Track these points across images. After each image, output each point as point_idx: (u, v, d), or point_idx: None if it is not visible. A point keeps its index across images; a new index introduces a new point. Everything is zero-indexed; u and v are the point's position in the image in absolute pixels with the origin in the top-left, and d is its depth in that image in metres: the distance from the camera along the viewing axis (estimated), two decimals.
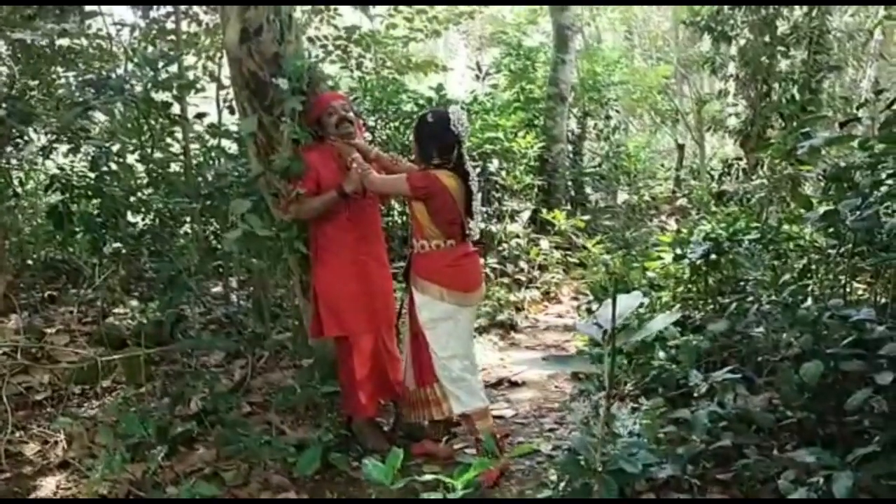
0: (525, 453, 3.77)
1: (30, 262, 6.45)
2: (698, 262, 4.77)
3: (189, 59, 6.92)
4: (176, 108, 5.09)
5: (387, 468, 2.33)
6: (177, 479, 3.45)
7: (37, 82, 6.03)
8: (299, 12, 6.96)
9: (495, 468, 3.43)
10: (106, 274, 5.95)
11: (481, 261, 4.32)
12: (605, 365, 1.69)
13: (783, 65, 9.24)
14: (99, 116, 5.31)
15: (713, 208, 6.90)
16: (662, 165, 16.05)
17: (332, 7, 7.72)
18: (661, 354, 4.15)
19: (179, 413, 4.01)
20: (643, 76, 13.62)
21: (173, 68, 5.34)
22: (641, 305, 1.94)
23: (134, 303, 5.69)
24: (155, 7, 6.29)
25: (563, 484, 3.00)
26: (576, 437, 2.95)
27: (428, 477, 2.47)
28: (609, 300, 1.78)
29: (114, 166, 5.50)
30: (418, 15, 8.30)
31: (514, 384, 5.06)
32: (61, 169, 5.51)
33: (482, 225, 7.45)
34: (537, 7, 13.15)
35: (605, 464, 2.41)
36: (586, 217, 9.50)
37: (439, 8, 9.03)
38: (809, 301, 3.69)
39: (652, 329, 1.68)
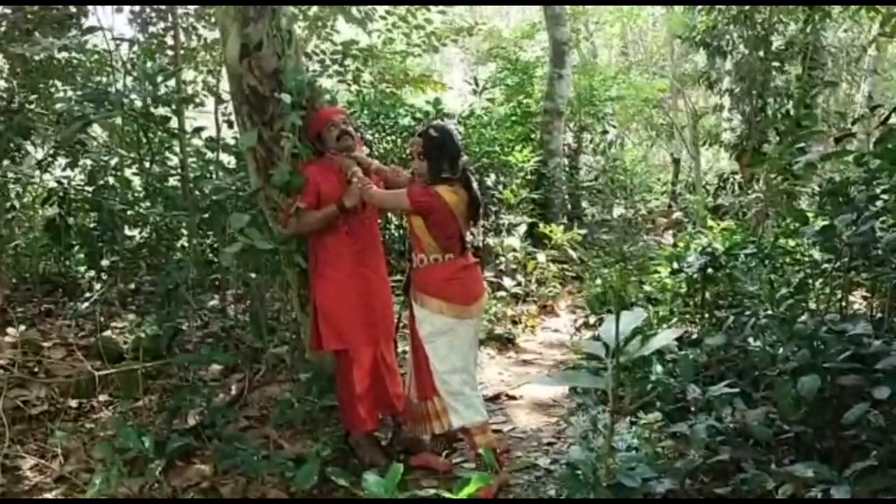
0: (523, 467, 3.78)
1: (27, 275, 6.45)
2: (695, 276, 4.79)
3: (188, 74, 6.95)
4: (174, 123, 5.11)
5: (386, 482, 2.33)
6: (174, 493, 3.44)
7: (35, 96, 6.05)
8: (298, 28, 7.00)
9: (494, 482, 3.43)
10: (103, 287, 5.95)
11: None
12: (609, 381, 1.70)
13: (778, 80, 9.31)
14: (97, 130, 5.34)
15: (709, 222, 6.92)
16: (658, 179, 16.13)
17: (330, 23, 7.76)
18: (659, 368, 4.15)
19: (177, 427, 3.99)
20: (639, 90, 13.70)
21: (172, 83, 5.38)
22: (641, 320, 1.95)
23: (131, 316, 5.69)
24: (154, 19, 6.33)
25: (561, 498, 2.99)
26: (575, 452, 2.95)
27: (427, 491, 2.46)
28: (609, 316, 1.79)
29: (111, 180, 5.54)
30: (416, 30, 8.34)
31: (511, 398, 5.06)
32: (59, 182, 5.53)
33: (480, 237, 7.52)
34: (535, 21, 13.23)
35: (605, 478, 2.41)
36: (583, 231, 9.53)
37: (437, 23, 9.07)
38: (806, 315, 3.70)
39: (654, 346, 1.69)
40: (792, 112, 8.58)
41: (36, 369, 4.59)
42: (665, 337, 1.74)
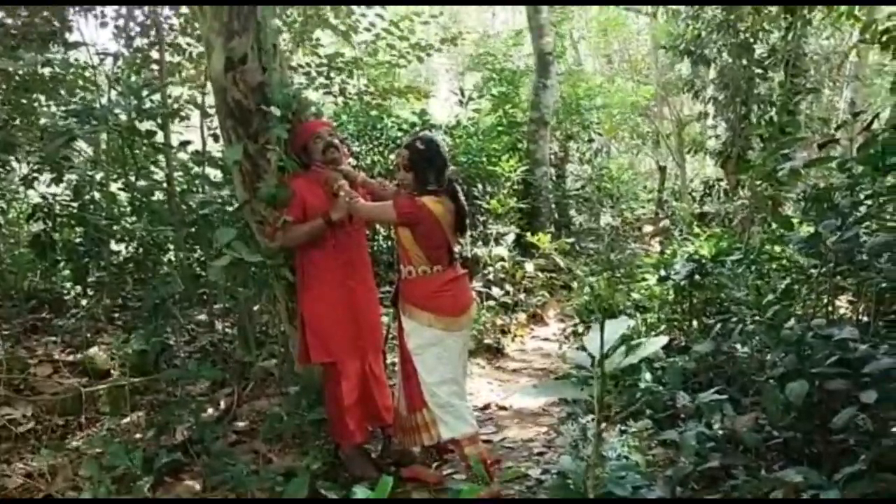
0: (514, 478, 3.77)
1: (12, 291, 6.39)
2: (682, 283, 4.81)
3: (174, 89, 6.94)
4: (160, 137, 5.09)
5: (376, 495, 2.32)
6: None
7: (19, 111, 6.02)
8: (282, 41, 7.01)
9: (485, 494, 3.42)
10: (89, 303, 5.91)
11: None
12: (595, 390, 1.70)
13: (762, 87, 9.40)
14: (82, 145, 5.31)
15: (696, 229, 6.96)
16: (645, 187, 16.22)
17: (315, 36, 7.78)
18: (648, 376, 4.17)
19: (165, 443, 3.96)
20: (625, 96, 13.78)
21: (157, 97, 5.37)
22: (627, 328, 1.95)
23: (118, 332, 5.64)
24: (139, 32, 6.31)
25: (559, 498, 2.99)
26: (565, 461, 2.95)
27: None
28: (596, 325, 1.79)
29: (97, 195, 5.50)
30: (401, 41, 8.36)
31: (501, 408, 5.05)
32: (44, 198, 5.49)
33: (468, 248, 7.52)
34: (520, 29, 13.29)
35: (595, 487, 2.41)
36: (570, 239, 9.55)
37: (422, 34, 9.11)
38: (793, 321, 3.72)
39: (640, 355, 1.69)
40: (775, 119, 8.64)
41: (22, 387, 4.54)
42: (651, 346, 1.74)
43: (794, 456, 3.13)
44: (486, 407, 5.06)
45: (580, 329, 6.33)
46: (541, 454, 4.19)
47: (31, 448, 4.04)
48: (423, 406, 3.61)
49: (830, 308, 3.98)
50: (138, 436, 4.12)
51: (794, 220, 4.21)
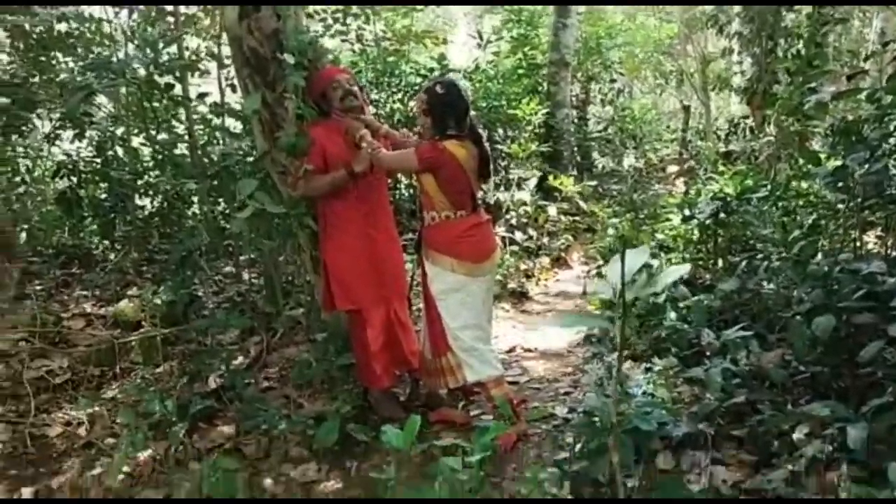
0: (541, 417, 3.82)
1: (42, 248, 6.51)
2: (707, 222, 4.77)
3: (191, 41, 6.89)
4: (178, 90, 5.08)
5: (405, 434, 2.37)
6: (199, 454, 3.51)
7: (38, 69, 6.03)
8: None
9: (512, 432, 3.47)
10: (118, 257, 6.00)
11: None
12: (616, 322, 1.70)
13: (788, 19, 9.13)
14: (102, 100, 5.33)
15: (721, 168, 6.87)
16: (668, 127, 15.97)
17: None
18: (673, 315, 4.17)
19: (198, 391, 4.06)
20: (648, 34, 13.46)
21: (174, 49, 5.35)
22: (650, 266, 1.94)
23: (147, 285, 5.74)
24: None
25: (579, 445, 3.03)
26: (590, 399, 2.97)
27: (445, 441, 2.50)
28: (616, 257, 1.79)
29: (119, 150, 5.55)
30: None
31: (527, 350, 5.09)
32: (67, 155, 5.54)
33: (491, 193, 7.50)
34: None
35: (620, 423, 2.43)
36: (593, 182, 9.47)
37: None
38: (820, 256, 3.69)
39: (662, 283, 1.68)
40: (803, 52, 8.41)
41: (57, 340, 4.66)
42: (672, 273, 1.73)
43: (821, 390, 3.14)
44: (512, 350, 5.10)
45: (604, 270, 6.32)
46: (567, 394, 4.23)
47: (69, 398, 4.16)
48: (447, 350, 3.64)
49: (858, 243, 3.93)
50: (172, 384, 4.22)
51: (822, 155, 4.14)
